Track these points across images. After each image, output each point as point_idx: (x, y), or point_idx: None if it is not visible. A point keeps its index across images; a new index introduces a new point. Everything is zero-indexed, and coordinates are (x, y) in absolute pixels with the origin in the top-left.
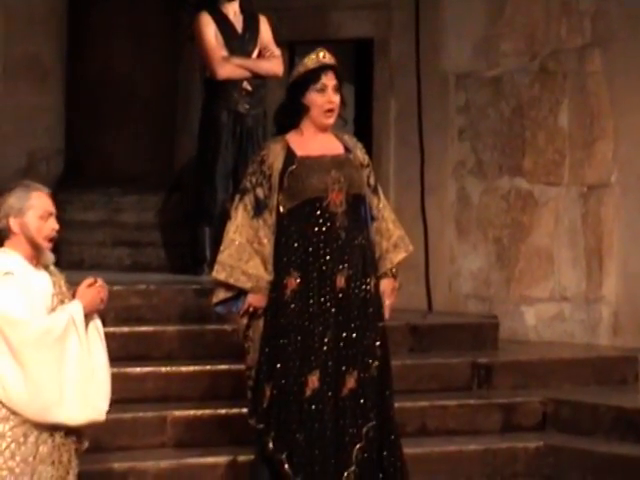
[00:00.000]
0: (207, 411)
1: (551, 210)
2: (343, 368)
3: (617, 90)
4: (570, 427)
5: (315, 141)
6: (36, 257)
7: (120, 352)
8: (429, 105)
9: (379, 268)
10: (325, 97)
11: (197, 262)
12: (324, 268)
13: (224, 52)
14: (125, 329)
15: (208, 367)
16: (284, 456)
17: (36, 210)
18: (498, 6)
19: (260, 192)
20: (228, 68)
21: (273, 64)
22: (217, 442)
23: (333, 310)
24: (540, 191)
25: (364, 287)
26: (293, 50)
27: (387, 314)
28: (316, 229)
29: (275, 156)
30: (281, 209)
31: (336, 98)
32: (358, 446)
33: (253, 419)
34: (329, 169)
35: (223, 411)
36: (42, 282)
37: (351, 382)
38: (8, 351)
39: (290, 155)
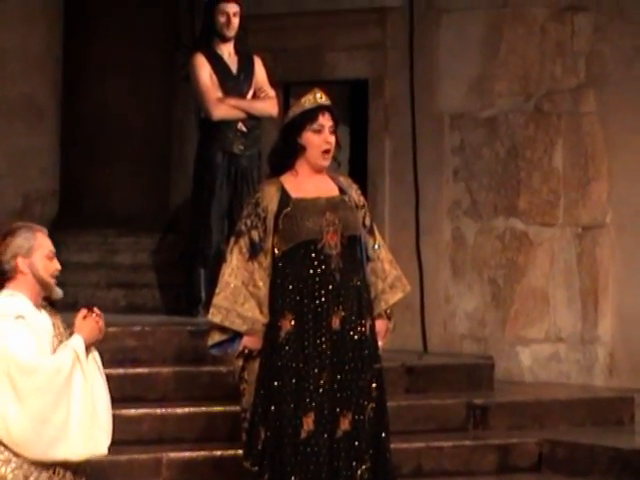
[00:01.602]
0: (203, 453)
1: (546, 250)
2: (337, 410)
3: (611, 130)
4: (566, 468)
5: (310, 182)
6: (40, 297)
7: (115, 393)
8: (424, 145)
9: (374, 309)
10: (322, 137)
11: (192, 303)
12: (319, 310)
13: (219, 93)
14: (120, 370)
15: (203, 409)
16: None
17: (43, 250)
18: (492, 46)
19: (255, 235)
20: (223, 109)
21: (268, 105)
22: None
23: (328, 352)
24: (535, 231)
25: (359, 329)
26: (288, 91)
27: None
28: (311, 271)
29: (270, 198)
30: (276, 251)
31: (332, 139)
32: None
33: (248, 461)
34: (324, 211)
35: (219, 453)
36: (44, 323)
37: (345, 424)
38: (14, 394)
39: (285, 197)
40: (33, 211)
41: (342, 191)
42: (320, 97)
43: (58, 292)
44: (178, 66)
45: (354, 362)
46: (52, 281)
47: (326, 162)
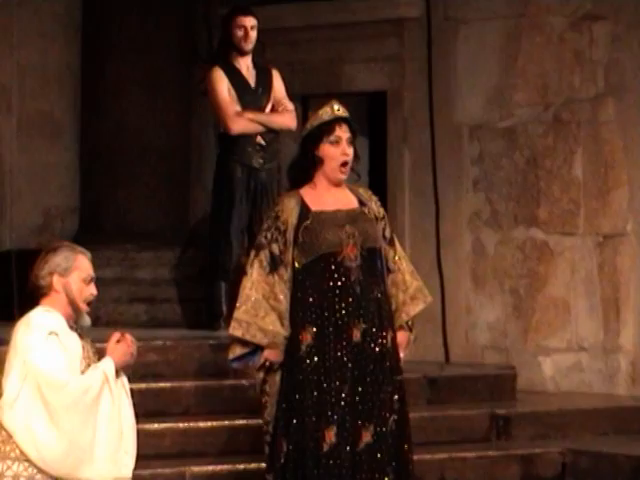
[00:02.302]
0: (225, 466)
1: (567, 260)
2: (359, 422)
3: (631, 139)
4: (589, 477)
5: (329, 195)
6: (72, 318)
7: (138, 408)
8: (443, 156)
9: (395, 320)
10: (339, 149)
11: (213, 317)
12: (340, 322)
13: (237, 107)
14: (142, 385)
15: (226, 422)
16: None
17: (81, 272)
18: (510, 57)
19: (275, 248)
20: (241, 123)
21: (286, 118)
22: None
23: (349, 365)
24: (556, 241)
25: (380, 341)
26: (306, 103)
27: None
28: (331, 284)
29: (289, 211)
30: (296, 264)
31: (350, 150)
32: None
33: (270, 475)
34: (343, 224)
35: (241, 466)
36: (74, 344)
37: (367, 436)
38: (44, 410)
39: (304, 210)
40: (53, 227)
41: (361, 203)
42: (337, 109)
43: (86, 320)
44: (196, 81)
45: (375, 374)
46: (84, 306)
47: (343, 175)
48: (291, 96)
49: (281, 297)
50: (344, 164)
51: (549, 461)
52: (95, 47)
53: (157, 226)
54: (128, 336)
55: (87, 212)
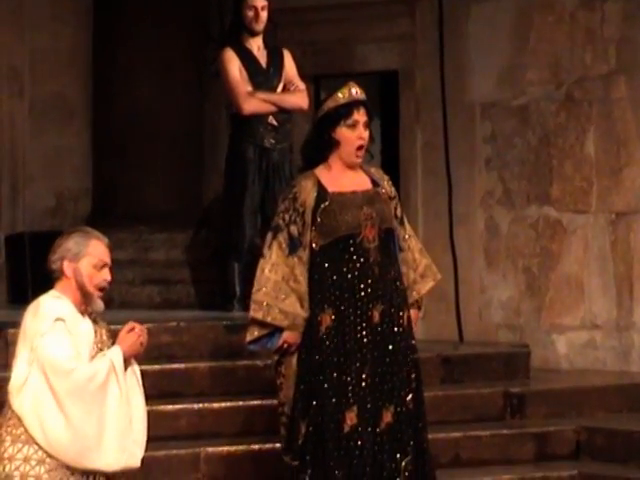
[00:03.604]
0: (240, 447)
1: (580, 238)
2: (380, 403)
3: None
4: (604, 455)
5: (345, 176)
6: (84, 303)
7: (152, 390)
8: (455, 135)
9: (408, 299)
10: (356, 133)
11: (227, 298)
12: (359, 304)
13: (249, 87)
14: (156, 367)
15: (240, 403)
16: None
17: (91, 258)
18: (522, 35)
19: (294, 229)
20: (253, 103)
21: (298, 98)
22: (251, 478)
23: (370, 345)
24: (568, 219)
25: (398, 321)
26: (318, 84)
27: None
28: (350, 265)
29: (307, 193)
30: (314, 246)
31: (366, 134)
32: None
33: (288, 456)
34: (361, 205)
35: (257, 447)
36: (86, 329)
37: (388, 417)
38: (52, 397)
39: (322, 191)
40: (66, 210)
41: (375, 184)
42: (355, 92)
43: (99, 305)
44: (208, 62)
45: (394, 355)
46: (95, 292)
47: (359, 159)
48: (302, 76)
49: (301, 279)
50: (360, 148)
51: (563, 439)
52: (107, 30)
53: (170, 208)
54: (138, 326)
55: (100, 194)
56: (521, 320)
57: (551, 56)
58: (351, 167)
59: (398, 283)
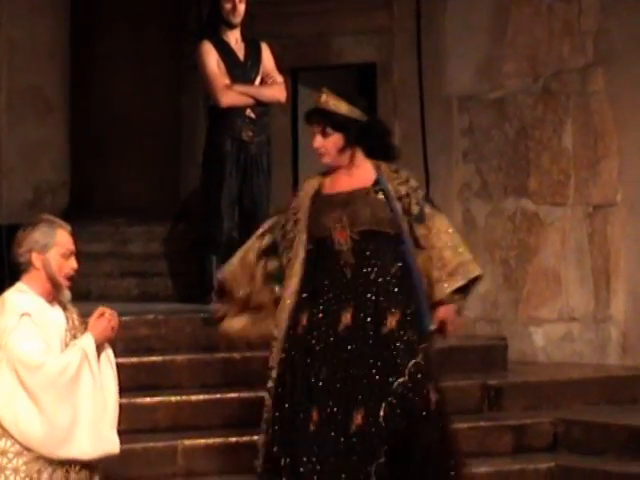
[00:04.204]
0: (218, 440)
1: (557, 230)
2: (349, 406)
3: (620, 109)
4: (581, 447)
5: (344, 177)
6: (52, 293)
7: (129, 383)
8: (433, 128)
9: (431, 297)
10: (314, 142)
11: (204, 291)
12: (328, 306)
13: (226, 80)
14: (134, 359)
15: (218, 395)
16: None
17: (59, 248)
18: (500, 28)
19: (284, 230)
20: (231, 96)
21: (276, 91)
22: (228, 470)
23: (334, 349)
24: (546, 212)
25: (379, 324)
26: (296, 76)
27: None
28: (323, 268)
29: (305, 194)
30: (308, 248)
31: (317, 142)
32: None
33: (261, 437)
34: (335, 207)
35: (234, 439)
36: (56, 318)
37: (358, 419)
38: (24, 392)
39: (317, 193)
40: (44, 202)
41: (377, 183)
42: (317, 100)
43: (66, 295)
44: (185, 55)
45: (363, 358)
46: (64, 282)
47: (325, 163)
48: (280, 69)
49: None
50: (320, 155)
51: (541, 431)
52: (84, 22)
53: (148, 200)
54: (108, 310)
55: (78, 187)
56: (498, 313)
57: (528, 49)
58: (347, 167)
59: (387, 285)
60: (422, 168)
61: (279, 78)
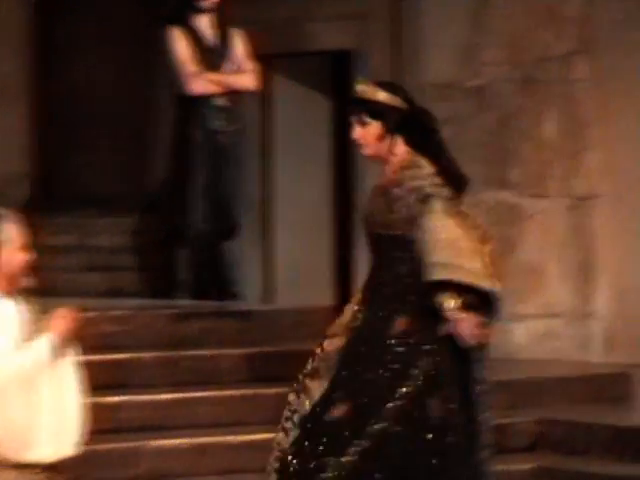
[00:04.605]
0: (186, 440)
1: (539, 223)
2: (336, 394)
3: (604, 97)
4: (564, 447)
5: (387, 166)
6: (8, 288)
7: (95, 381)
8: None
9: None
10: None
11: (173, 286)
12: (352, 306)
13: (197, 67)
14: (99, 357)
15: (187, 394)
16: None
17: (14, 242)
18: (479, 13)
19: None
20: (201, 84)
21: (248, 79)
22: (196, 473)
23: (344, 344)
24: (527, 204)
25: (378, 329)
26: (268, 63)
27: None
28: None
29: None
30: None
31: (356, 132)
32: None
33: None
34: (372, 200)
35: (202, 440)
36: (12, 312)
37: (340, 411)
38: None
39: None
40: (6, 194)
41: (399, 183)
42: (355, 89)
43: (24, 289)
44: (154, 40)
45: (363, 359)
46: (20, 275)
47: (364, 154)
48: (252, 56)
49: None
50: (360, 147)
51: (522, 431)
52: (46, 6)
53: (115, 191)
54: (69, 311)
55: (41, 178)
56: None
57: (509, 35)
58: (386, 157)
59: (385, 290)
60: None
61: (251, 65)
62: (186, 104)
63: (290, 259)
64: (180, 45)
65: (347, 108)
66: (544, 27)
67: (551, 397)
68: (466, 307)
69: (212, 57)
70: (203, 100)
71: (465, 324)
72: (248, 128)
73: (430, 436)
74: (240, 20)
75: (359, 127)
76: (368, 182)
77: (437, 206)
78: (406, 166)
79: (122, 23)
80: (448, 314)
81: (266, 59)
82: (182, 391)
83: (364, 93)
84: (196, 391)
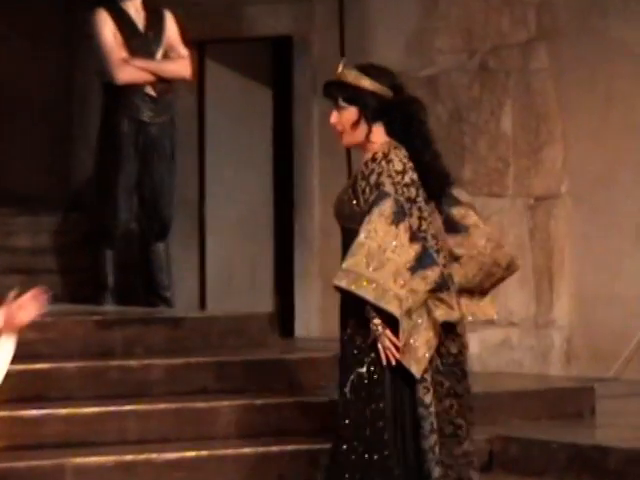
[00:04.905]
0: (112, 457)
1: (495, 225)
2: None
3: (566, 89)
4: (520, 467)
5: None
6: None
7: (13, 393)
8: None
9: None
10: None
11: (98, 290)
12: None
13: (124, 53)
14: (19, 367)
15: (113, 408)
16: None
17: None
18: None
19: None
20: (129, 71)
21: (180, 66)
22: None
23: None
24: (482, 204)
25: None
26: (203, 50)
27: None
28: None
29: None
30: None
31: (333, 117)
32: None
33: None
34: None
35: (129, 457)
36: None
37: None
38: None
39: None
40: None
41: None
42: (336, 71)
43: None
44: (78, 25)
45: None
46: None
47: (342, 142)
48: (186, 42)
49: None
50: (336, 134)
51: (475, 449)
52: None
53: (35, 187)
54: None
55: None
56: None
57: (464, 21)
58: (363, 145)
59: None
60: (345, 155)
61: (184, 52)
62: (113, 93)
63: (226, 262)
64: (106, 29)
65: (324, 91)
66: (501, 12)
67: (506, 413)
68: (388, 323)
69: (141, 42)
70: (131, 89)
71: (383, 341)
72: (180, 119)
73: (345, 447)
74: (172, 2)
75: (336, 112)
76: (312, 180)
77: (385, 208)
78: (376, 158)
79: (47, 7)
80: (371, 326)
81: (200, 45)
82: (108, 404)
83: (343, 76)
84: (123, 404)
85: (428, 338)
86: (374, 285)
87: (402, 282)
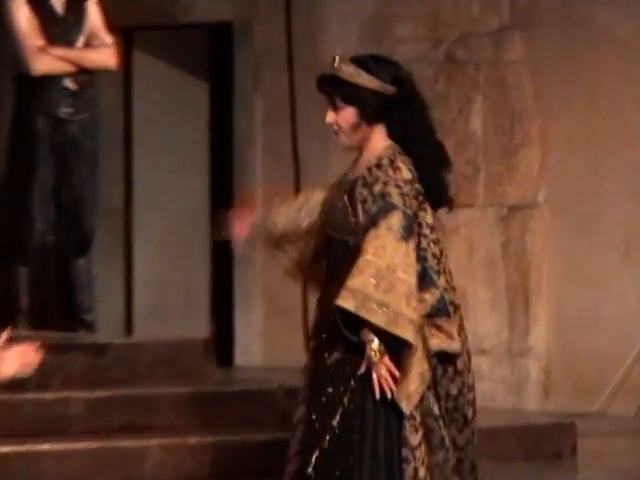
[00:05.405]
0: None
1: (463, 238)
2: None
3: (544, 84)
4: None
5: (361, 157)
6: None
7: None
8: (305, 105)
9: None
10: None
11: (10, 312)
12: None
13: (40, 40)
14: None
15: (26, 447)
16: None
17: None
18: None
19: None
20: (46, 61)
21: (103, 55)
22: None
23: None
24: (448, 215)
25: (328, 355)
26: (130, 38)
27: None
28: None
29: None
30: None
31: (330, 117)
32: None
33: None
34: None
35: None
36: None
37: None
38: None
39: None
40: None
41: (357, 179)
42: (330, 65)
43: None
44: None
45: (320, 398)
46: None
47: (340, 142)
48: (111, 28)
49: None
50: (334, 133)
51: None
52: None
53: None
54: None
55: None
56: None
57: (428, 6)
58: (362, 147)
59: (328, 308)
60: (291, 156)
61: (108, 39)
62: (26, 86)
63: (157, 280)
64: (19, 14)
65: (318, 86)
66: None
67: (476, 453)
68: (387, 350)
69: (60, 28)
70: (48, 81)
71: (379, 370)
72: (104, 116)
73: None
74: None
75: (331, 111)
76: (254, 184)
77: (394, 222)
78: (381, 165)
79: None
80: (368, 351)
81: (127, 32)
82: (21, 443)
83: (340, 71)
84: (38, 443)
85: (422, 371)
86: (385, 309)
87: (414, 305)
